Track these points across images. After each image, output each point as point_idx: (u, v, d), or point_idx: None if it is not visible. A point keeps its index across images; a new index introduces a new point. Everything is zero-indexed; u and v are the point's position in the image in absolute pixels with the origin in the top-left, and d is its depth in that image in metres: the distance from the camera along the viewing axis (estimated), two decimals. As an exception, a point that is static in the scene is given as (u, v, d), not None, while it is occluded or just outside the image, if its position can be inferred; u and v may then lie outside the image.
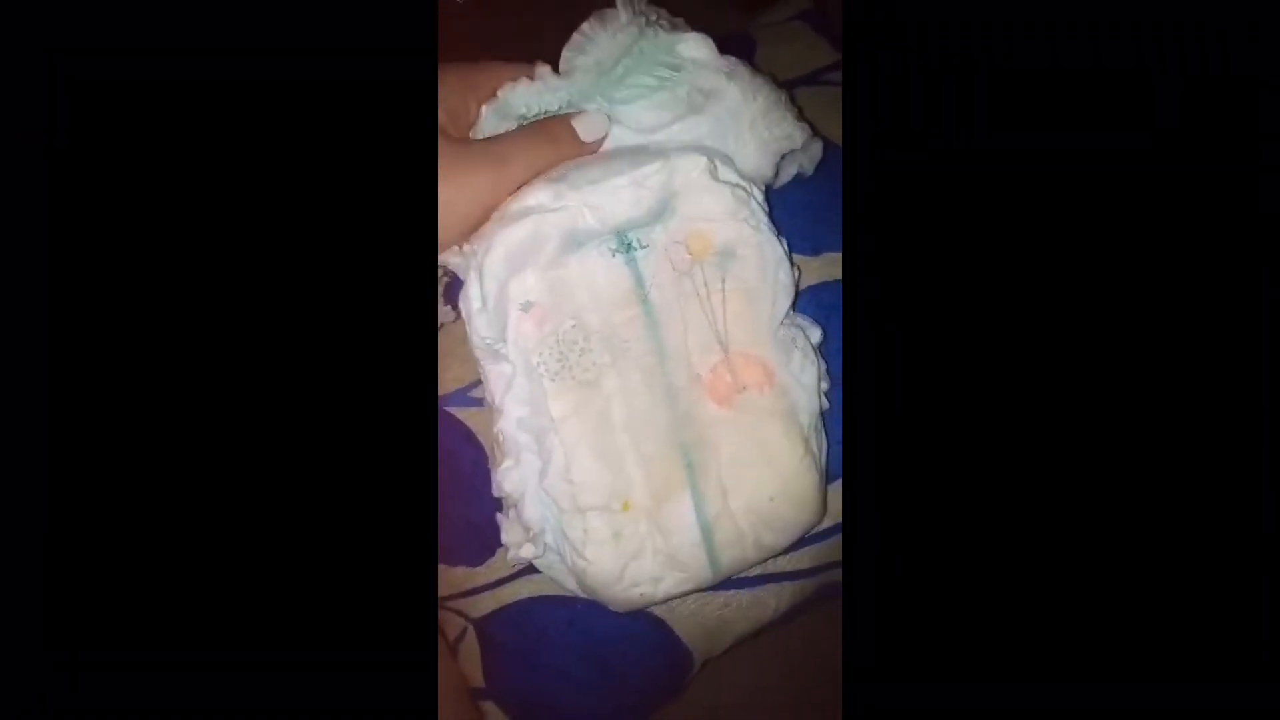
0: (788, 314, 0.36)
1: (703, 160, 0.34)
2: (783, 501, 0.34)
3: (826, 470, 0.37)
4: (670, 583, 0.34)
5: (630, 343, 0.34)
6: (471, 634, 0.43)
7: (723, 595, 0.40)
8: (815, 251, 0.42)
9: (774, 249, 0.35)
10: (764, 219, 0.35)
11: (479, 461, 0.40)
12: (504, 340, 0.34)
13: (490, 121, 0.35)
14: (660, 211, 0.35)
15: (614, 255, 0.35)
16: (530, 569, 0.40)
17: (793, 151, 0.39)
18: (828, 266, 0.41)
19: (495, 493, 0.36)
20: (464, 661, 0.43)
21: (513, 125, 0.36)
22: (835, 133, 0.45)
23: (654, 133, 0.35)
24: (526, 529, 0.35)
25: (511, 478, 0.35)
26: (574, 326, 0.34)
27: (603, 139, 0.35)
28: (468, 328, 0.35)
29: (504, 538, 0.36)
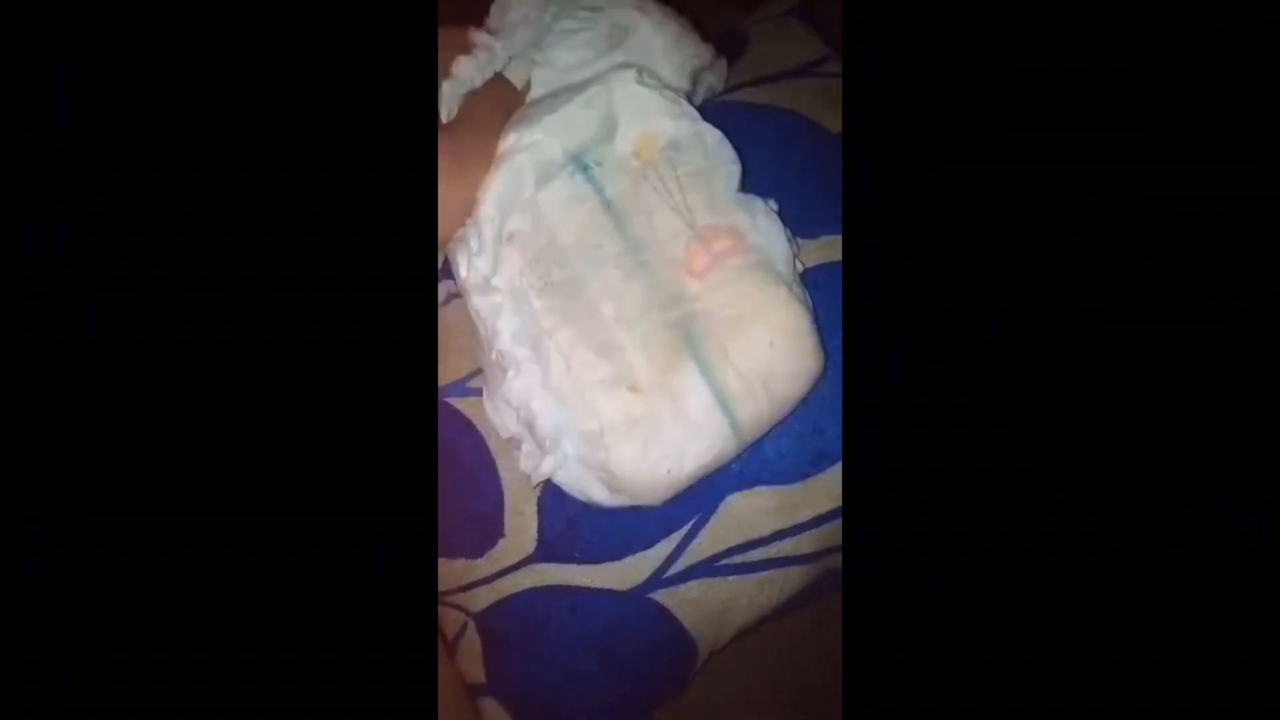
0: (741, 185, 0.38)
1: (631, 70, 0.38)
2: (781, 346, 0.35)
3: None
4: (695, 454, 0.34)
5: (603, 246, 0.36)
6: (472, 629, 0.42)
7: (727, 581, 0.40)
8: (813, 235, 0.42)
9: (712, 132, 0.38)
10: (696, 113, 0.38)
11: (478, 450, 0.40)
12: (496, 274, 0.36)
13: (448, 97, 0.38)
14: (608, 128, 0.38)
15: (574, 177, 0.37)
16: (530, 559, 0.40)
17: (704, 72, 0.42)
18: (824, 249, 0.42)
19: (498, 423, 0.37)
20: (464, 658, 0.43)
21: (463, 96, 0.38)
22: (826, 120, 0.46)
23: (578, 70, 0.39)
24: (541, 442, 0.35)
25: (516, 387, 0.35)
26: (549, 246, 0.36)
27: (527, 80, 0.39)
28: (461, 272, 0.36)
29: (522, 465, 0.36)
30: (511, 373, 0.35)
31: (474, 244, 0.35)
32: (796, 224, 0.41)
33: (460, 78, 0.38)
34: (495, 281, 0.36)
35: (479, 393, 0.40)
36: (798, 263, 0.38)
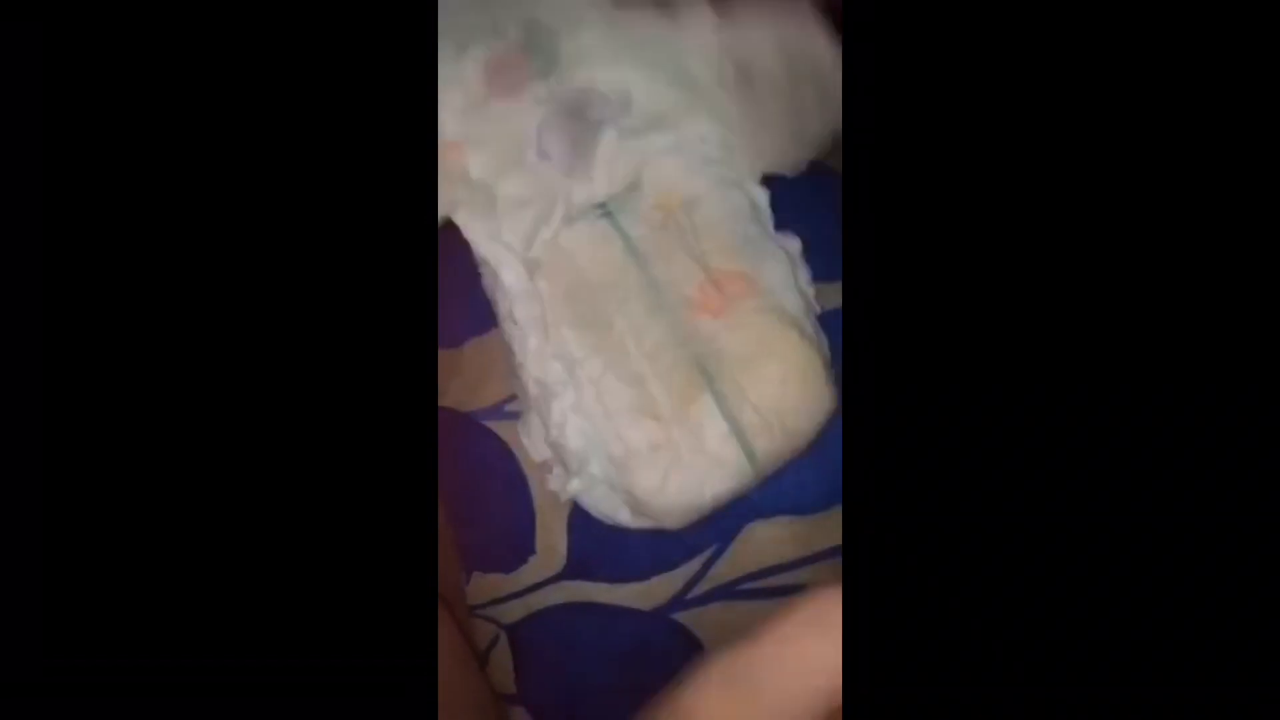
0: (758, 233, 0.40)
1: (666, 138, 0.40)
2: (793, 383, 0.37)
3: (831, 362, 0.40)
4: (714, 484, 0.37)
5: (628, 286, 0.39)
6: (504, 640, 0.44)
7: (747, 604, 0.42)
8: (833, 279, 0.44)
9: (729, 186, 0.40)
10: (717, 172, 0.41)
11: (512, 471, 0.42)
12: (531, 303, 0.39)
13: None
14: (633, 184, 0.40)
15: (599, 220, 0.40)
16: (559, 576, 0.42)
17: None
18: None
19: (531, 448, 0.40)
20: (496, 668, 0.45)
21: None
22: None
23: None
24: (569, 464, 0.38)
25: (551, 407, 0.38)
26: (579, 283, 0.39)
27: None
28: (500, 305, 0.39)
29: (552, 485, 0.39)
30: (558, 392, 0.38)
31: (509, 279, 0.39)
32: (820, 267, 0.43)
33: None
34: (532, 311, 0.39)
35: (515, 417, 0.43)
36: (815, 304, 0.40)
